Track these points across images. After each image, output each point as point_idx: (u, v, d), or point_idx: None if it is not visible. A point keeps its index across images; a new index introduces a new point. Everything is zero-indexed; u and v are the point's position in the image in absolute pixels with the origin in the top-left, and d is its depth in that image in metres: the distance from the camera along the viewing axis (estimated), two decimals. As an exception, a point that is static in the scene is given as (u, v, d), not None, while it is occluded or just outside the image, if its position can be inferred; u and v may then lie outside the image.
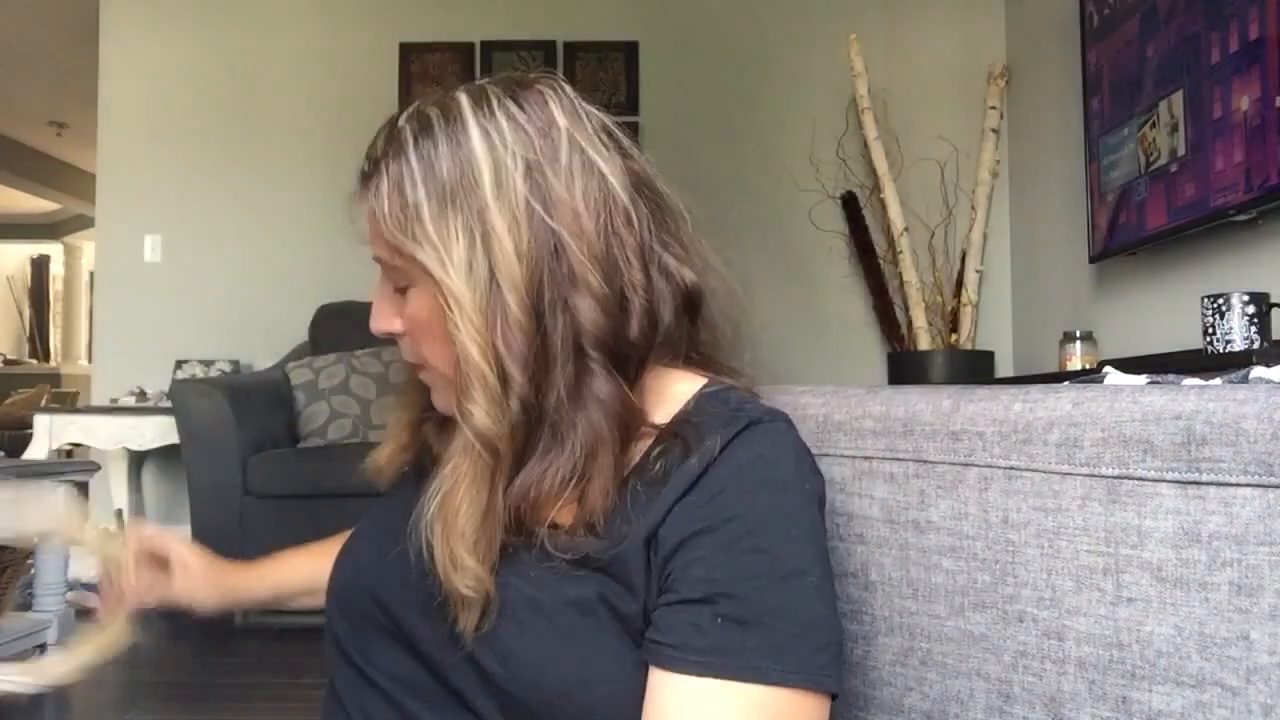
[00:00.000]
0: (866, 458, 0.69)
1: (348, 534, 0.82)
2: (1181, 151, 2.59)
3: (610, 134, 0.68)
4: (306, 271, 4.02)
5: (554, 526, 0.64)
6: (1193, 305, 2.41)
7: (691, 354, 0.71)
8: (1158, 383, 0.59)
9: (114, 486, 3.83)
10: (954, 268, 3.75)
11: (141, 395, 3.77)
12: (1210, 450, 0.50)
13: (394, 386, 3.51)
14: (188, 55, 4.12)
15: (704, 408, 0.66)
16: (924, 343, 3.57)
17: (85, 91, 4.30)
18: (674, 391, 0.69)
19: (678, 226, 0.70)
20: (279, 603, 0.95)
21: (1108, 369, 0.95)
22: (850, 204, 3.89)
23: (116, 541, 0.89)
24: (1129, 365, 2.28)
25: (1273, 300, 2.14)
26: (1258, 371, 0.75)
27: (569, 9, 4.13)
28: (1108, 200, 3.00)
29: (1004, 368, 3.83)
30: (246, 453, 3.16)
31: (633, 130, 0.71)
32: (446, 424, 0.71)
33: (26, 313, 9.82)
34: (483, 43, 4.11)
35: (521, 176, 0.63)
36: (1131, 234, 2.87)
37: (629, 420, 0.65)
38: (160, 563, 0.90)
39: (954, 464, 0.63)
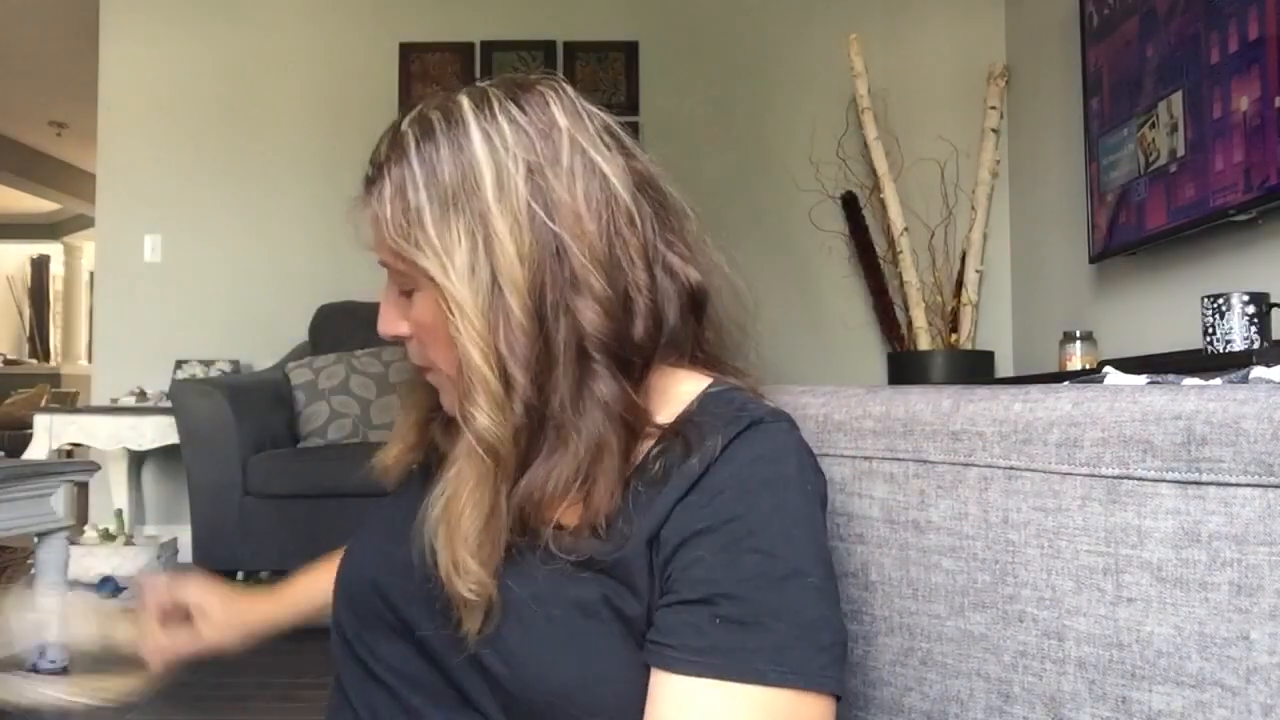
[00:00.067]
0: (866, 458, 0.69)
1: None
2: (1181, 152, 2.59)
3: (613, 134, 0.68)
4: (306, 271, 4.02)
5: (558, 528, 0.64)
6: (1193, 305, 2.41)
7: (697, 353, 0.71)
8: (1158, 383, 0.59)
9: (114, 486, 3.82)
10: (954, 268, 3.75)
11: (141, 395, 3.77)
12: (1210, 450, 0.50)
13: (394, 386, 3.53)
14: (188, 55, 4.12)
15: (707, 408, 0.66)
16: (924, 343, 3.57)
17: (85, 91, 4.30)
18: (678, 391, 0.69)
19: (682, 226, 0.70)
20: (304, 622, 0.95)
21: (1108, 369, 0.95)
22: (850, 204, 3.89)
23: (143, 618, 0.89)
24: (1129, 365, 2.28)
25: (1273, 300, 2.14)
26: (1258, 371, 0.75)
27: (569, 9, 4.13)
28: (1107, 200, 3.01)
29: (1004, 368, 3.83)
30: (246, 453, 3.16)
31: (633, 130, 0.71)
32: (453, 424, 0.71)
33: (26, 313, 9.82)
34: (483, 43, 4.11)
35: (523, 179, 0.63)
36: (1131, 234, 2.87)
37: (633, 422, 0.65)
38: (181, 613, 0.89)
39: (954, 464, 0.63)
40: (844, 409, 0.73)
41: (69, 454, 4.11)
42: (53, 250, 9.79)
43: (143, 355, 4.00)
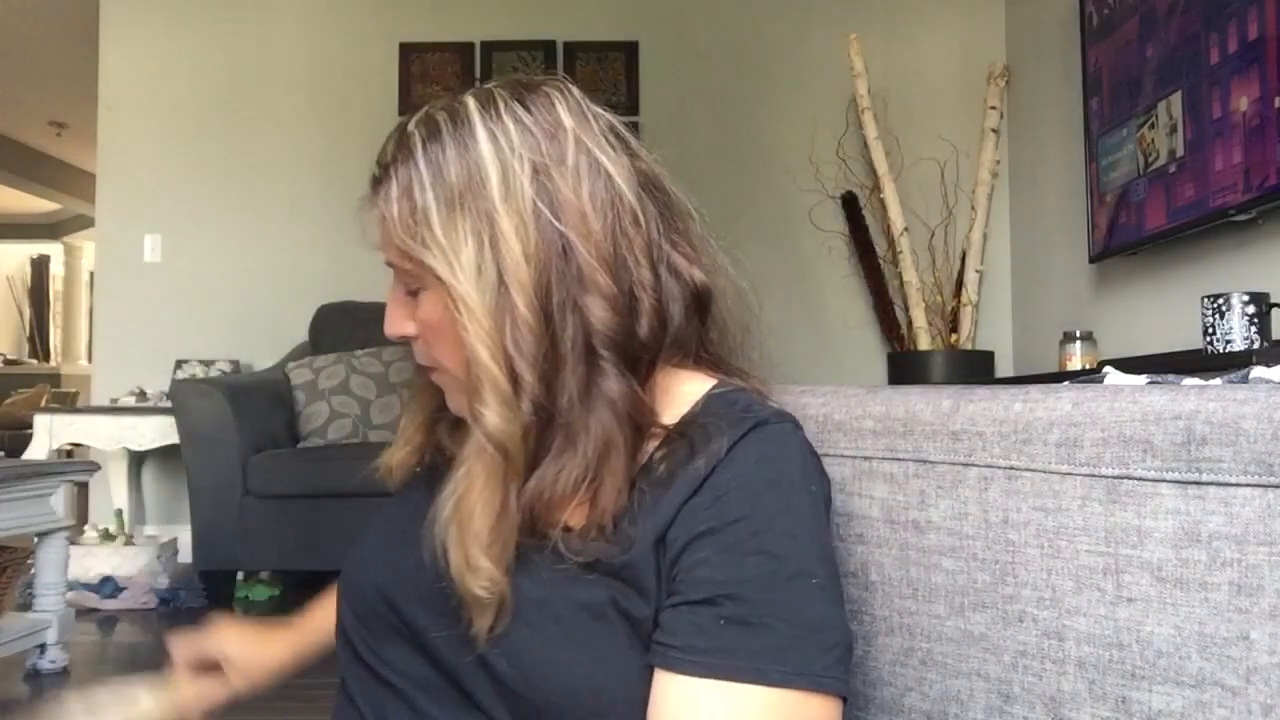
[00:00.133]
0: (866, 458, 0.69)
1: None
2: (1180, 152, 2.59)
3: (618, 135, 0.69)
4: (306, 271, 4.02)
5: (566, 529, 0.64)
6: (1193, 305, 2.41)
7: (701, 353, 0.72)
8: (1158, 383, 0.59)
9: (114, 486, 3.82)
10: (954, 268, 3.75)
11: (141, 395, 3.77)
12: (1210, 450, 0.50)
13: (394, 386, 3.53)
14: (188, 55, 4.12)
15: (712, 408, 0.67)
16: (924, 343, 3.57)
17: (85, 91, 4.30)
18: (683, 392, 0.69)
19: (686, 226, 0.71)
20: (327, 650, 0.95)
21: (1108, 369, 0.95)
22: (850, 204, 3.89)
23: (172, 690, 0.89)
24: (1129, 365, 2.28)
25: (1273, 300, 2.14)
26: (1258, 371, 0.75)
27: (569, 9, 4.13)
28: (1107, 200, 3.01)
29: (1004, 368, 3.83)
30: (246, 453, 3.16)
31: (632, 130, 0.72)
32: (460, 425, 0.71)
33: (26, 313, 9.82)
34: (483, 43, 4.11)
35: (528, 179, 0.63)
36: (1131, 234, 2.87)
37: (640, 420, 0.65)
38: (211, 664, 0.90)
39: (954, 464, 0.63)
40: (844, 409, 0.73)
41: (69, 454, 4.11)
42: (53, 250, 9.79)
43: (143, 355, 4.00)
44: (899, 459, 0.67)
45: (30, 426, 3.83)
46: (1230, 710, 0.49)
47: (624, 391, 0.64)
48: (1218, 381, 0.63)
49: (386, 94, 4.05)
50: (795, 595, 0.59)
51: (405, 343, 0.72)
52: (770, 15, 4.09)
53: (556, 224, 0.63)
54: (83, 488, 4.17)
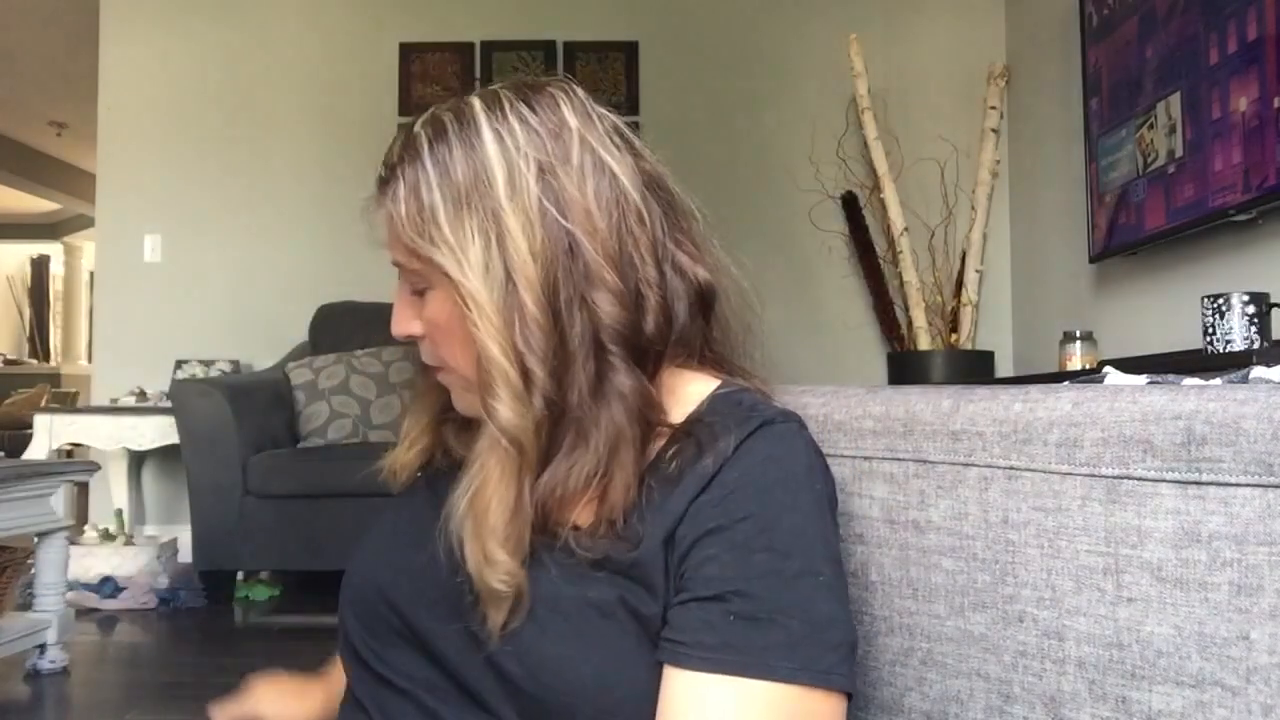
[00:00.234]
0: (866, 458, 0.69)
1: None
2: (1179, 153, 2.59)
3: (622, 135, 0.70)
4: (306, 271, 4.02)
5: (574, 528, 0.65)
6: (1193, 305, 2.41)
7: (706, 352, 0.72)
8: (1158, 383, 0.59)
9: (114, 486, 3.82)
10: (954, 268, 3.75)
11: (141, 395, 3.77)
12: (1210, 450, 0.50)
13: (394, 386, 3.53)
14: (188, 56, 4.12)
15: (718, 408, 0.67)
16: (924, 343, 3.57)
17: (85, 91, 4.30)
18: (688, 391, 0.70)
19: (689, 226, 0.72)
20: None
21: (1108, 369, 0.95)
22: (850, 204, 3.89)
23: None
24: (1129, 365, 2.28)
25: (1273, 300, 2.14)
26: (1258, 371, 0.75)
27: (569, 9, 4.13)
28: (1107, 200, 3.01)
29: (1004, 368, 3.83)
30: (246, 453, 3.16)
31: (633, 130, 0.72)
32: (467, 426, 0.72)
33: (26, 313, 9.82)
34: (483, 43, 4.11)
35: (534, 177, 0.64)
36: (1131, 234, 2.87)
37: (650, 415, 0.66)
38: None
39: (954, 464, 0.63)
40: (844, 409, 0.73)
41: (69, 454, 4.11)
42: (53, 250, 9.79)
43: (143, 355, 4.00)
44: (899, 459, 0.67)
45: (30, 426, 3.83)
46: (1230, 710, 0.49)
47: (634, 386, 0.65)
48: (1218, 381, 0.63)
49: (386, 94, 4.05)
50: (802, 592, 0.60)
51: (412, 342, 0.72)
52: (770, 15, 4.09)
53: (562, 222, 0.64)
54: (83, 488, 4.17)
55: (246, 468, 3.14)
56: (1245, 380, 0.72)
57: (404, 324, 0.71)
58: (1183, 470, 0.51)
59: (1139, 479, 0.53)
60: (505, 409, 0.62)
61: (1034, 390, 0.61)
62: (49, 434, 3.62)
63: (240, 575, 3.41)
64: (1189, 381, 0.61)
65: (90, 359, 5.82)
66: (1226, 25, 2.39)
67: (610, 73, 4.09)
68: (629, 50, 4.09)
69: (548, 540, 0.65)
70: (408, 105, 4.02)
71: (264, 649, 2.75)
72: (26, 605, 2.45)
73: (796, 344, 3.90)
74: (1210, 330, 2.16)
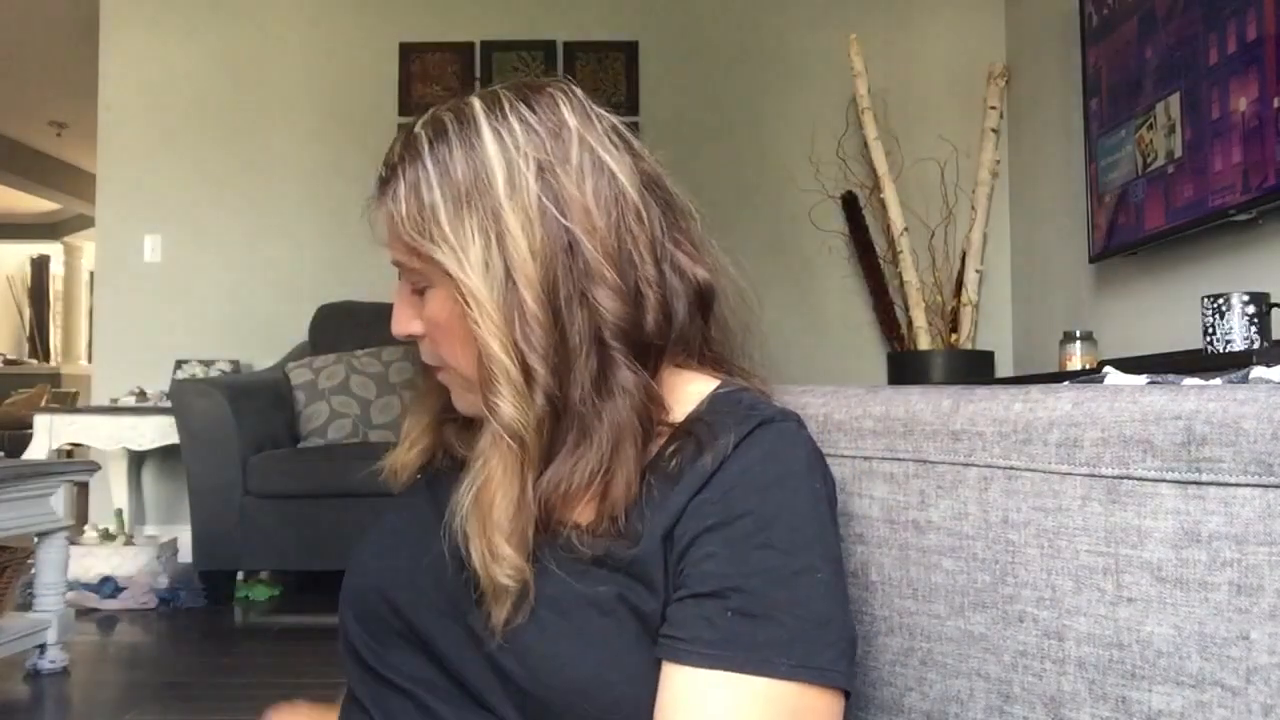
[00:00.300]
0: (866, 458, 0.70)
1: None
2: (1178, 153, 2.59)
3: (620, 135, 0.70)
4: (306, 271, 4.02)
5: (575, 526, 0.65)
6: (1193, 305, 2.41)
7: (705, 351, 0.73)
8: (1158, 383, 0.59)
9: (114, 486, 3.82)
10: (954, 268, 3.75)
11: (141, 395, 3.77)
12: (1210, 450, 0.50)
13: (394, 386, 3.53)
14: (188, 55, 4.12)
15: (717, 407, 0.68)
16: (924, 343, 3.57)
17: (85, 91, 4.30)
18: (688, 391, 0.70)
19: (688, 226, 0.72)
20: None
21: (1108, 369, 0.95)
22: (850, 204, 3.89)
23: None
24: (1129, 365, 2.28)
25: (1273, 300, 2.14)
26: (1258, 371, 0.75)
27: (569, 9, 4.13)
28: (1106, 201, 3.01)
29: (1004, 368, 3.83)
30: (246, 453, 3.16)
31: (633, 130, 0.72)
32: (468, 426, 0.72)
33: (26, 313, 9.82)
34: (483, 43, 4.11)
35: (533, 176, 0.65)
36: (1131, 234, 2.87)
37: (652, 411, 0.66)
38: None
39: (954, 464, 0.63)
40: (844, 409, 0.73)
41: (69, 454, 4.11)
42: (53, 250, 9.79)
43: (143, 355, 4.00)
44: (899, 459, 0.67)
45: (30, 426, 3.83)
46: (1230, 710, 0.49)
47: (638, 381, 0.65)
48: (1218, 381, 0.63)
49: (386, 94, 4.05)
50: (800, 589, 0.60)
51: (412, 342, 0.73)
52: (770, 15, 4.09)
53: (562, 220, 0.64)
54: (83, 488, 4.18)
55: (246, 468, 3.14)
56: (1245, 380, 0.72)
57: (404, 323, 0.71)
58: (1183, 470, 0.51)
59: (1139, 479, 0.53)
60: (507, 405, 0.63)
61: (1034, 390, 0.61)
62: (49, 434, 3.62)
63: (240, 575, 3.41)
64: (1189, 381, 0.61)
65: (90, 359, 5.82)
66: (1226, 25, 2.39)
67: (610, 73, 4.09)
68: (629, 50, 4.09)
69: (548, 538, 0.65)
70: (408, 105, 4.02)
71: (264, 649, 2.76)
72: (26, 605, 2.45)
73: (796, 344, 3.90)
74: (1210, 330, 2.16)
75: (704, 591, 0.60)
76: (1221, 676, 0.50)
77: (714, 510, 0.62)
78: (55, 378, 8.92)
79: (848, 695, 0.61)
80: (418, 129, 0.68)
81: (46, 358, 9.67)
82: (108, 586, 3.14)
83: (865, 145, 3.68)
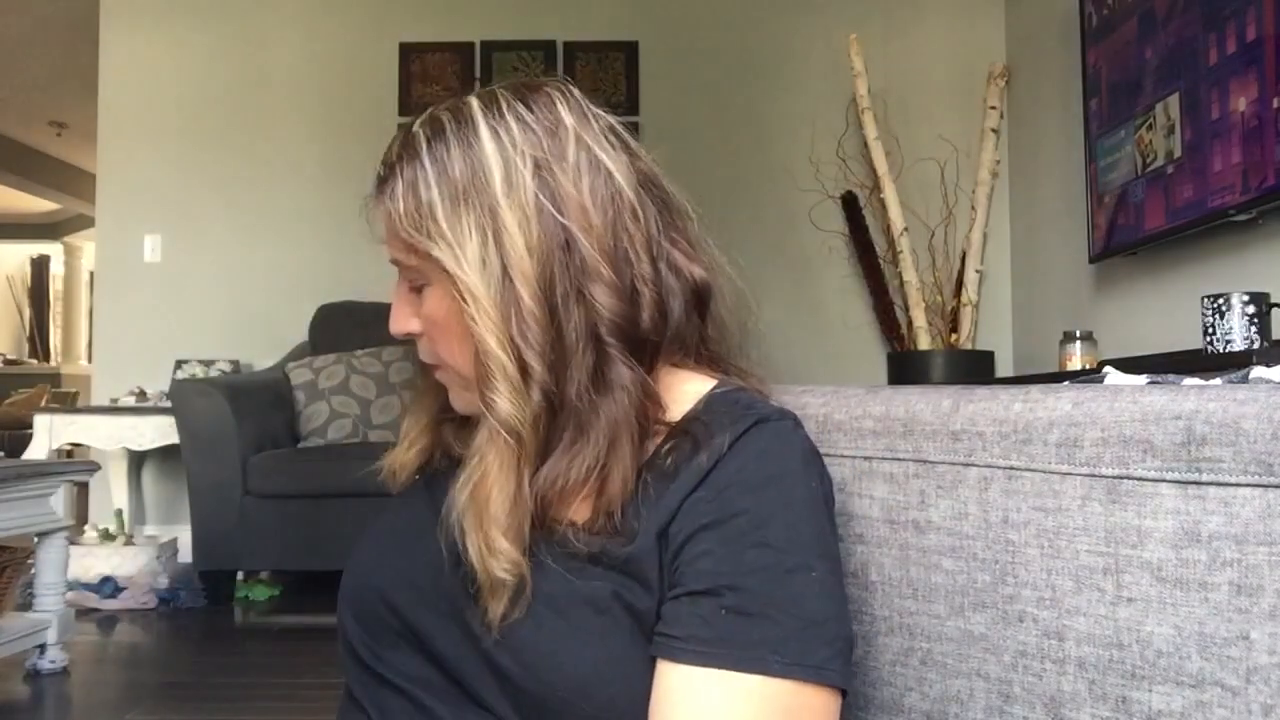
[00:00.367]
0: (866, 458, 0.70)
1: None
2: (1177, 153, 2.59)
3: (617, 134, 0.70)
4: (306, 271, 4.02)
5: (571, 523, 0.65)
6: (1193, 305, 2.41)
7: (701, 350, 0.73)
8: (1158, 383, 0.59)
9: (114, 486, 3.83)
10: (954, 268, 3.75)
11: (141, 395, 3.77)
12: (1210, 450, 0.50)
13: (394, 386, 3.53)
14: (188, 55, 4.12)
15: (714, 407, 0.68)
16: (924, 343, 3.57)
17: (85, 91, 4.30)
18: (685, 390, 0.70)
19: (684, 225, 0.72)
20: None
21: (1108, 369, 0.95)
22: (850, 204, 3.89)
23: None
24: (1129, 365, 2.28)
25: (1273, 300, 2.14)
26: (1258, 371, 0.75)
27: (569, 9, 4.13)
28: (1106, 201, 3.01)
29: (1004, 368, 3.83)
30: (246, 453, 3.16)
31: (632, 130, 0.73)
32: (466, 425, 0.72)
33: (26, 313, 9.82)
34: (483, 43, 4.11)
35: (530, 174, 0.65)
36: (1130, 234, 2.87)
37: (649, 408, 0.66)
38: None
39: (954, 464, 0.63)
40: (844, 409, 0.73)
41: (69, 454, 4.11)
42: (53, 250, 9.79)
43: (143, 355, 4.00)
44: (899, 459, 0.67)
45: (30, 426, 3.83)
46: (1230, 710, 0.49)
47: (634, 378, 0.66)
48: (1218, 381, 0.63)
49: (386, 94, 4.05)
50: (795, 588, 0.60)
51: (410, 340, 0.73)
52: (770, 15, 4.09)
53: (558, 218, 0.65)
54: (83, 488, 4.17)
55: (246, 468, 3.14)
56: (1245, 380, 0.72)
57: (402, 321, 0.72)
58: (1183, 470, 0.51)
59: (1139, 479, 0.53)
60: (503, 401, 0.63)
61: (1034, 390, 0.61)
62: (49, 434, 3.62)
63: (240, 575, 3.41)
64: (1189, 381, 0.61)
65: (90, 359, 5.82)
66: (1225, 26, 2.39)
67: (610, 73, 4.09)
68: (629, 50, 4.09)
69: (544, 535, 0.65)
70: (408, 105, 4.02)
71: (264, 649, 2.75)
72: (26, 605, 2.45)
73: (796, 344, 3.90)
74: (1210, 330, 2.16)
75: (699, 589, 0.60)
76: (1221, 676, 0.50)
77: (709, 508, 0.62)
78: (55, 378, 8.92)
79: (845, 694, 0.61)
80: (416, 128, 0.69)
81: (46, 358, 9.67)
82: (108, 586, 3.14)
83: (865, 145, 3.68)
